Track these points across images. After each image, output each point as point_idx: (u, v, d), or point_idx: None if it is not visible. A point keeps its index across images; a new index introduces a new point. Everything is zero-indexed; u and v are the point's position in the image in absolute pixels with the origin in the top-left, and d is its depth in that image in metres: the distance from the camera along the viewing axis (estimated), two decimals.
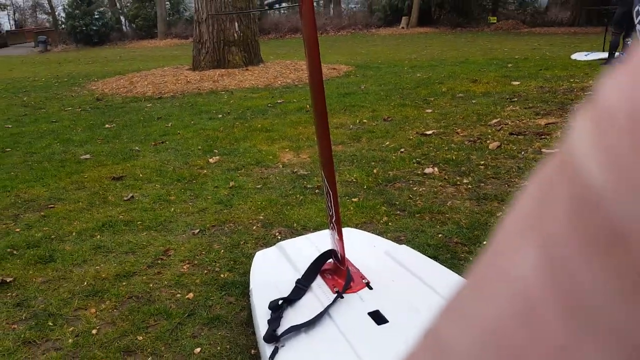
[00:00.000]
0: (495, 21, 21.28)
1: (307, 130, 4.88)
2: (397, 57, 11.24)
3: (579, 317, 0.12)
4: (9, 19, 26.87)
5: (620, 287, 0.11)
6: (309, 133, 4.73)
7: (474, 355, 0.14)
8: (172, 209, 3.17)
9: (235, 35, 9.12)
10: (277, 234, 2.76)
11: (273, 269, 2.07)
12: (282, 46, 17.14)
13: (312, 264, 1.88)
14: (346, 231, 2.17)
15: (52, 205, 3.32)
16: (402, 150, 4.08)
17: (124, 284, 2.32)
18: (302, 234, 2.52)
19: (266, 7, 2.00)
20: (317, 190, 3.32)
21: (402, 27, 22.34)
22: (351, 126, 5.00)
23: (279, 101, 6.52)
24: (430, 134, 4.47)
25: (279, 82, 8.18)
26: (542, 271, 0.13)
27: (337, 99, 6.37)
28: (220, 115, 5.90)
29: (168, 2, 23.19)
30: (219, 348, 1.86)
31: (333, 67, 9.49)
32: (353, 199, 3.15)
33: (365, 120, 5.19)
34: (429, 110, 5.42)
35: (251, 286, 1.99)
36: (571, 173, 0.13)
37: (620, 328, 0.11)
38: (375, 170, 3.64)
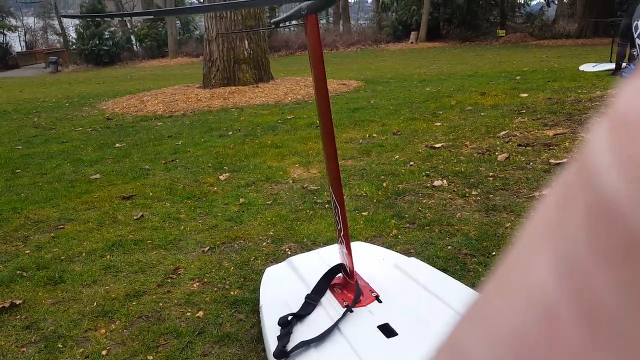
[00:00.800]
0: (503, 34, 21.36)
1: (317, 145, 4.88)
2: (407, 72, 11.27)
3: (596, 325, 0.12)
4: (19, 41, 27.38)
5: (636, 298, 0.11)
6: (319, 148, 4.72)
7: None
8: (182, 227, 3.16)
9: (246, 53, 9.20)
10: (287, 249, 2.73)
11: (283, 285, 2.05)
12: (292, 63, 17.29)
13: (321, 278, 1.87)
14: (355, 245, 2.16)
15: (62, 226, 3.32)
16: (412, 163, 4.06)
17: (133, 303, 2.30)
18: (312, 249, 2.49)
19: (273, 26, 2.00)
20: (327, 205, 3.30)
21: (411, 42, 22.49)
22: (361, 140, 4.99)
23: (288, 117, 6.54)
24: (439, 147, 4.44)
25: (289, 98, 8.22)
26: (561, 279, 0.13)
27: (347, 114, 6.38)
28: (231, 132, 5.92)
29: (178, 22, 23.57)
30: None
31: (343, 82, 9.53)
32: (363, 213, 3.12)
33: (374, 135, 5.18)
34: (438, 124, 5.39)
35: (261, 302, 1.97)
36: (589, 182, 0.12)
37: (637, 338, 0.11)
38: (384, 184, 3.62)
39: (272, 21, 2.12)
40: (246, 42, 9.15)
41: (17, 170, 4.90)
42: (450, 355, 0.16)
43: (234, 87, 8.98)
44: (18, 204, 3.82)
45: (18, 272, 2.68)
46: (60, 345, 2.05)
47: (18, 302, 2.37)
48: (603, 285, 0.12)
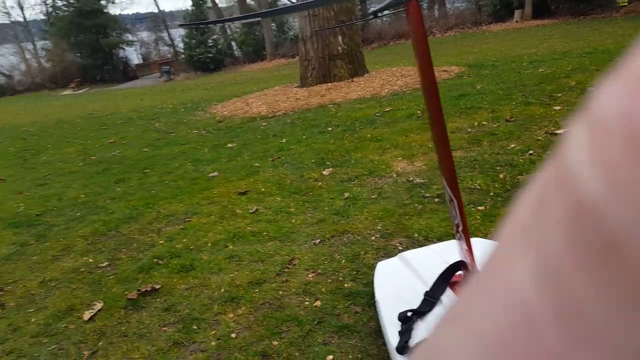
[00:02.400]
0: (625, 4, 19.13)
1: (420, 137, 4.83)
2: (514, 53, 10.63)
3: (575, 328, 0.12)
4: (136, 54, 30.17)
5: (615, 299, 0.11)
6: (422, 140, 4.68)
7: None
8: (293, 220, 3.33)
9: (340, 48, 9.33)
10: (397, 244, 2.76)
11: (397, 280, 2.07)
12: (387, 54, 17.16)
13: (440, 275, 1.84)
14: (474, 241, 2.10)
15: (188, 219, 3.66)
16: (531, 152, 3.84)
17: (256, 291, 2.49)
18: (424, 245, 2.49)
19: (371, 16, 2.01)
20: (436, 199, 3.27)
21: (516, 21, 21.13)
22: (469, 129, 4.83)
23: (387, 109, 6.54)
24: (561, 133, 4.16)
25: (386, 90, 8.19)
26: (539, 282, 0.13)
27: (451, 101, 6.19)
28: (330, 128, 6.06)
29: (274, 24, 24.42)
30: (350, 357, 1.92)
31: (443, 69, 9.26)
32: (479, 207, 3.04)
33: (484, 122, 4.99)
34: (557, 108, 5.04)
35: (377, 297, 2.01)
36: (566, 184, 0.12)
37: (616, 340, 0.11)
38: (501, 176, 3.48)
39: (370, 11, 2.14)
40: (340, 37, 9.26)
41: (146, 170, 5.45)
42: (432, 355, 0.16)
43: (330, 84, 9.15)
44: (150, 200, 4.28)
45: (155, 260, 3.02)
46: (195, 327, 2.28)
47: (157, 286, 2.68)
48: (581, 287, 0.12)
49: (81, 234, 3.75)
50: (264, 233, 3.18)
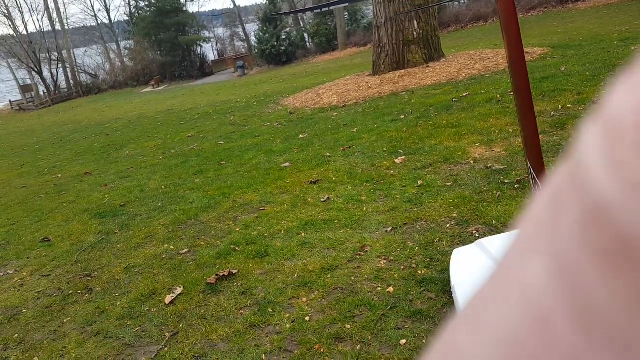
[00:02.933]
0: None
1: (500, 121, 4.60)
2: (603, 31, 9.83)
3: (590, 327, 0.12)
4: (212, 50, 31.37)
5: (630, 298, 0.11)
6: (502, 125, 4.45)
7: None
8: (364, 209, 3.30)
9: (415, 33, 9.09)
10: (473, 231, 2.65)
11: (475, 267, 1.99)
12: (464, 37, 16.52)
13: None
14: None
15: (262, 208, 3.75)
16: None
17: (328, 276, 2.49)
18: (503, 232, 2.37)
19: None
20: (516, 185, 3.10)
21: None
22: (552, 113, 4.53)
23: (464, 94, 6.29)
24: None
25: (463, 74, 7.89)
26: (554, 281, 0.13)
27: (534, 84, 5.82)
28: (403, 116, 5.94)
29: (346, 13, 24.33)
30: (424, 341, 1.87)
31: (525, 51, 8.73)
32: None
33: (569, 105, 4.66)
34: None
35: (452, 283, 1.95)
36: (581, 184, 0.13)
37: (631, 338, 0.11)
38: None
39: None
40: (415, 22, 9.01)
41: (222, 162, 5.66)
42: (447, 353, 0.16)
43: (403, 71, 8.95)
44: (226, 190, 4.43)
45: (232, 246, 3.13)
46: (270, 310, 2.33)
47: (234, 271, 2.76)
48: (595, 285, 0.12)
49: (162, 222, 3.96)
50: (335, 221, 3.18)
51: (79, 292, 2.99)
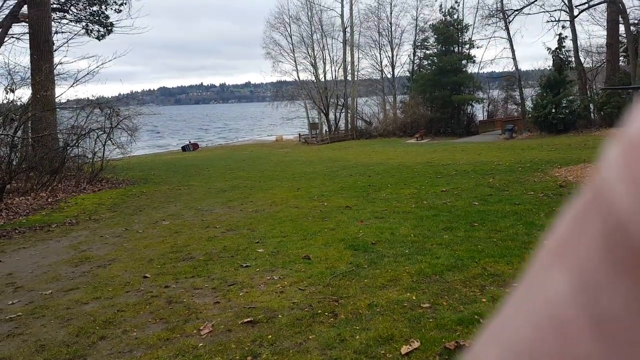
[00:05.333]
0: None
1: None
2: None
3: (611, 338, 0.12)
4: (483, 110, 31.13)
5: None
6: None
7: None
8: None
9: None
10: None
11: None
12: None
13: None
14: None
15: (515, 284, 3.42)
16: None
17: None
18: None
19: None
20: None
21: None
22: None
23: None
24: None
25: None
26: (576, 295, 0.13)
27: None
28: None
29: None
30: None
31: None
32: None
33: None
34: None
35: None
36: (603, 201, 0.13)
37: None
38: None
39: None
40: None
41: (474, 224, 5.45)
42: None
43: None
44: (476, 254, 4.23)
45: (476, 316, 2.93)
46: None
47: (463, 343, 2.56)
48: (616, 299, 0.12)
49: (407, 270, 4.00)
50: None
51: (326, 313, 3.24)
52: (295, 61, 34.03)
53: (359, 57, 33.99)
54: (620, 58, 22.75)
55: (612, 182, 0.13)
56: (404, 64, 34.95)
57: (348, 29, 32.33)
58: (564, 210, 0.15)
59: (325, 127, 33.08)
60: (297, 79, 34.56)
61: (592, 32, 65.89)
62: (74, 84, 13.57)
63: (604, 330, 0.12)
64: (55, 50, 15.12)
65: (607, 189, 0.13)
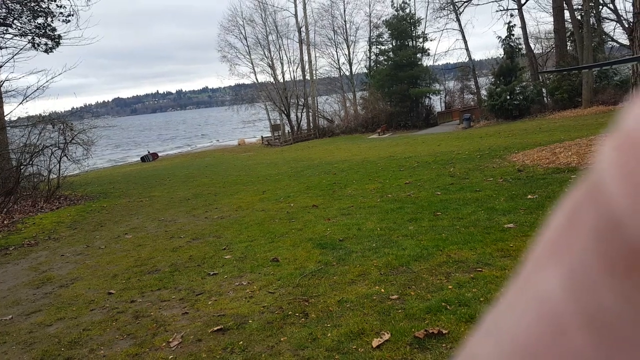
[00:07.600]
0: None
1: None
2: None
3: (604, 335, 0.12)
4: (440, 102, 31.81)
5: (638, 305, 0.12)
6: None
7: None
8: None
9: None
10: None
11: None
12: None
13: None
14: None
15: (479, 269, 3.51)
16: None
17: None
18: None
19: None
20: None
21: None
22: None
23: None
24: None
25: None
26: (569, 291, 0.13)
27: None
28: None
29: (595, 69, 21.95)
30: None
31: None
32: None
33: None
34: None
35: None
36: (596, 199, 0.13)
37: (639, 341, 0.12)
38: None
39: None
40: None
41: (438, 213, 5.55)
42: None
43: None
44: (440, 243, 4.31)
45: (443, 303, 2.98)
46: None
47: (445, 331, 2.62)
48: (609, 296, 0.12)
49: (375, 264, 4.04)
50: None
51: (297, 314, 3.23)
52: (252, 63, 33.81)
53: (316, 56, 34.11)
54: (568, 43, 23.62)
55: (606, 179, 0.13)
56: (361, 60, 35.39)
57: (303, 29, 32.35)
58: (557, 206, 0.15)
59: (287, 128, 32.99)
60: (255, 81, 34.33)
61: (540, 18, 68.21)
62: (23, 100, 13.04)
63: (597, 327, 0.13)
64: (1, 67, 14.46)
65: (601, 185, 0.13)
